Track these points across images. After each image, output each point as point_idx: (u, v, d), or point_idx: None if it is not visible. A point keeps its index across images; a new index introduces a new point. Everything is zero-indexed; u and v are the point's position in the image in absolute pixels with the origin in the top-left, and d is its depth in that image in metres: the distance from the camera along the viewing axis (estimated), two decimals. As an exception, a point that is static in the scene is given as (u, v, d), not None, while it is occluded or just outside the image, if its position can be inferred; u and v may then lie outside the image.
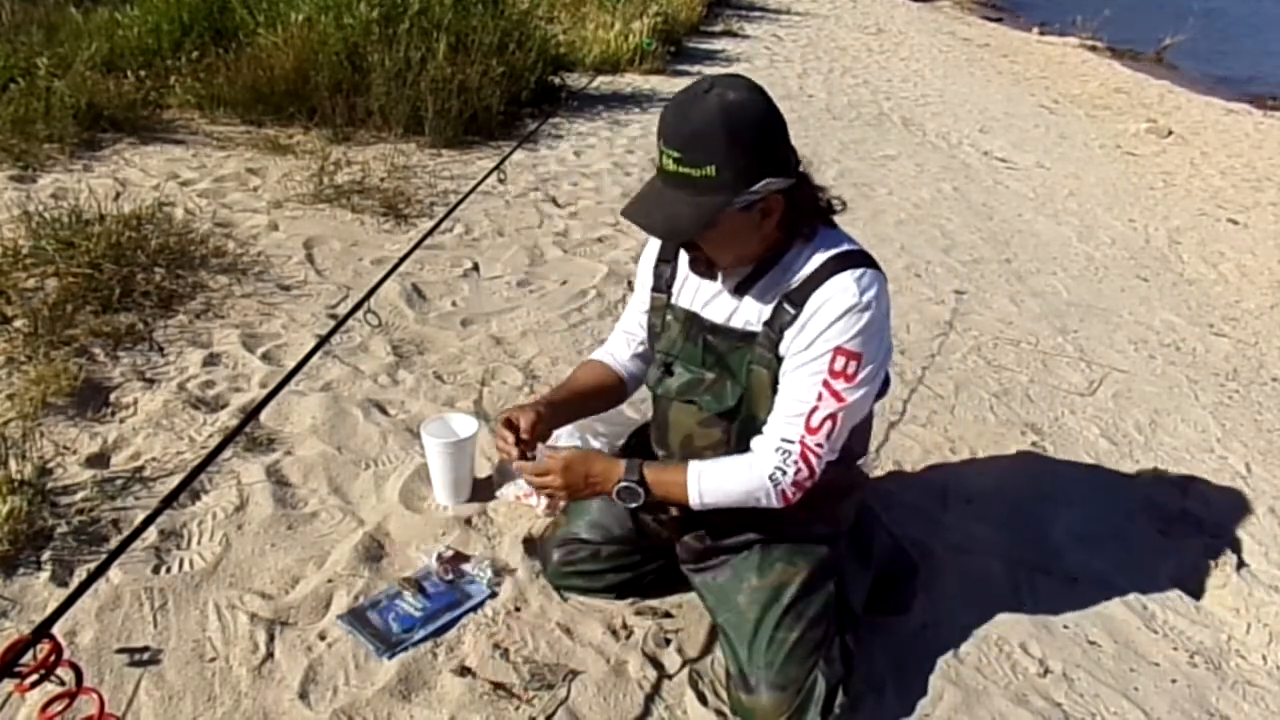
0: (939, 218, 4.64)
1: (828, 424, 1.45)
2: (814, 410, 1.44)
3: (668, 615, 1.79)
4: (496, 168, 2.68)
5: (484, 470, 2.16)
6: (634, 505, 1.54)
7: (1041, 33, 13.87)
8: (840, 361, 1.43)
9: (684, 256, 1.63)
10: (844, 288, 1.42)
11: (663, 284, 1.67)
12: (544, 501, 2.02)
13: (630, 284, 3.34)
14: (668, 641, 1.73)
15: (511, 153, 3.42)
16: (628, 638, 1.73)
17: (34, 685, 0.97)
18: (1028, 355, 3.20)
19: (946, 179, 5.41)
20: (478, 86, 4.82)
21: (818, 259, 1.47)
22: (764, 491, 1.48)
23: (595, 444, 2.06)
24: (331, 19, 4.95)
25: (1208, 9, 16.34)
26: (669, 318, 1.65)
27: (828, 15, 12.87)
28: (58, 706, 1.10)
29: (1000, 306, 3.60)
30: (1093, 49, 12.64)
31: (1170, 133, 7.46)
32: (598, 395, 1.78)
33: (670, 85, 7.09)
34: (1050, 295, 3.81)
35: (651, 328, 1.69)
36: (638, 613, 1.79)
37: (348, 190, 3.84)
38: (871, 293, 1.43)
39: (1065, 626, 1.89)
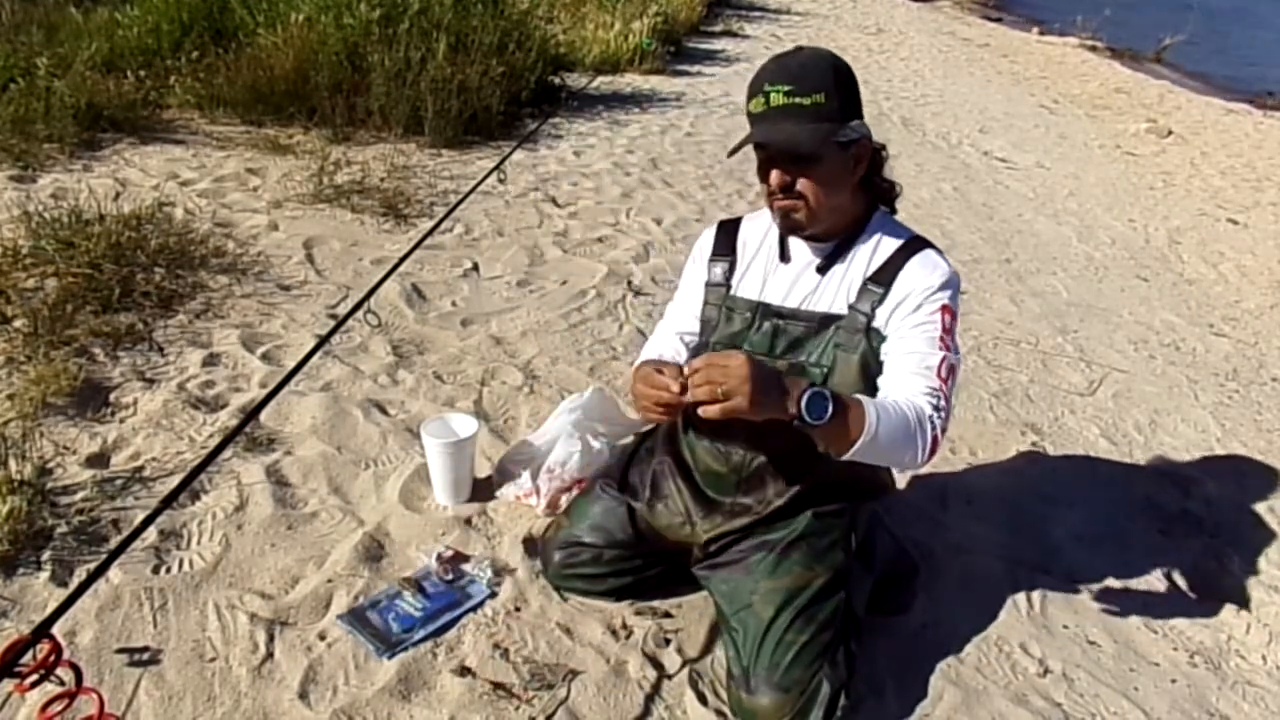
0: (939, 218, 4.64)
1: (951, 376, 1.50)
2: (941, 361, 1.49)
3: (668, 615, 1.79)
4: (496, 168, 2.68)
5: (484, 470, 2.16)
6: (816, 423, 1.34)
7: (1041, 33, 13.87)
8: (947, 320, 1.51)
9: (743, 249, 1.69)
10: (933, 262, 1.55)
11: (720, 277, 1.70)
12: (544, 501, 2.02)
13: (630, 283, 3.34)
14: (668, 641, 1.73)
15: (511, 153, 3.42)
16: (628, 638, 1.73)
17: (34, 685, 0.97)
18: (1028, 355, 3.20)
19: (946, 179, 5.41)
20: (478, 86, 4.82)
21: (892, 243, 1.58)
22: (923, 436, 1.44)
23: (595, 444, 2.06)
24: (331, 19, 4.95)
25: (1207, 9, 16.34)
26: (729, 309, 1.67)
27: (828, 15, 12.88)
28: (58, 706, 1.10)
29: (1000, 306, 3.60)
30: (1093, 49, 12.64)
31: (1170, 133, 7.46)
32: None
33: (670, 85, 7.10)
34: (1050, 295, 3.80)
35: (708, 321, 1.71)
36: (638, 613, 1.79)
37: (348, 190, 3.84)
38: (951, 266, 1.56)
39: (1065, 626, 1.89)
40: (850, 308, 1.55)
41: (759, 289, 1.65)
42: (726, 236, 1.73)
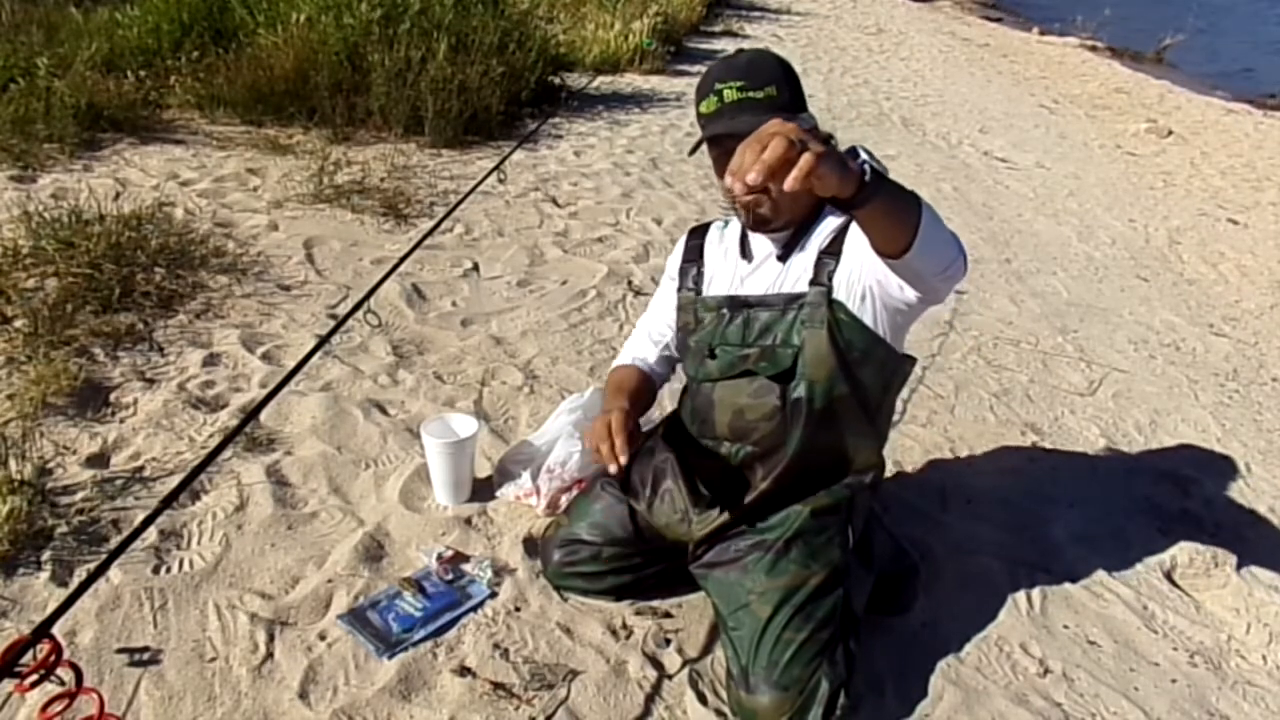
0: (939, 218, 4.64)
1: None
2: None
3: (668, 615, 1.79)
4: (496, 168, 2.68)
5: (484, 470, 2.16)
6: (883, 171, 1.18)
7: (1041, 33, 13.87)
8: None
9: (710, 253, 1.74)
10: None
11: (689, 282, 1.75)
12: (544, 501, 2.02)
13: (630, 283, 3.34)
14: (668, 641, 1.73)
15: (511, 153, 3.42)
16: (628, 638, 1.73)
17: (34, 685, 0.97)
18: (1028, 355, 3.20)
19: (946, 179, 5.41)
20: (478, 86, 4.82)
21: (841, 219, 1.57)
22: (955, 236, 1.36)
23: (595, 444, 2.05)
24: (331, 19, 4.95)
25: (1208, 8, 16.34)
26: (701, 311, 1.71)
27: (828, 15, 12.88)
28: (58, 706, 1.10)
29: (1000, 306, 3.60)
30: (1093, 49, 12.64)
31: (1170, 133, 7.46)
32: (645, 397, 1.82)
33: (670, 85, 7.10)
34: (1050, 295, 3.80)
35: (685, 326, 1.75)
36: (638, 613, 1.79)
37: (348, 190, 3.84)
38: None
39: (1065, 626, 1.89)
40: (810, 283, 1.58)
41: (728, 284, 1.69)
42: (696, 242, 1.79)
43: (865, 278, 1.52)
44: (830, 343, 1.56)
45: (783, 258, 1.62)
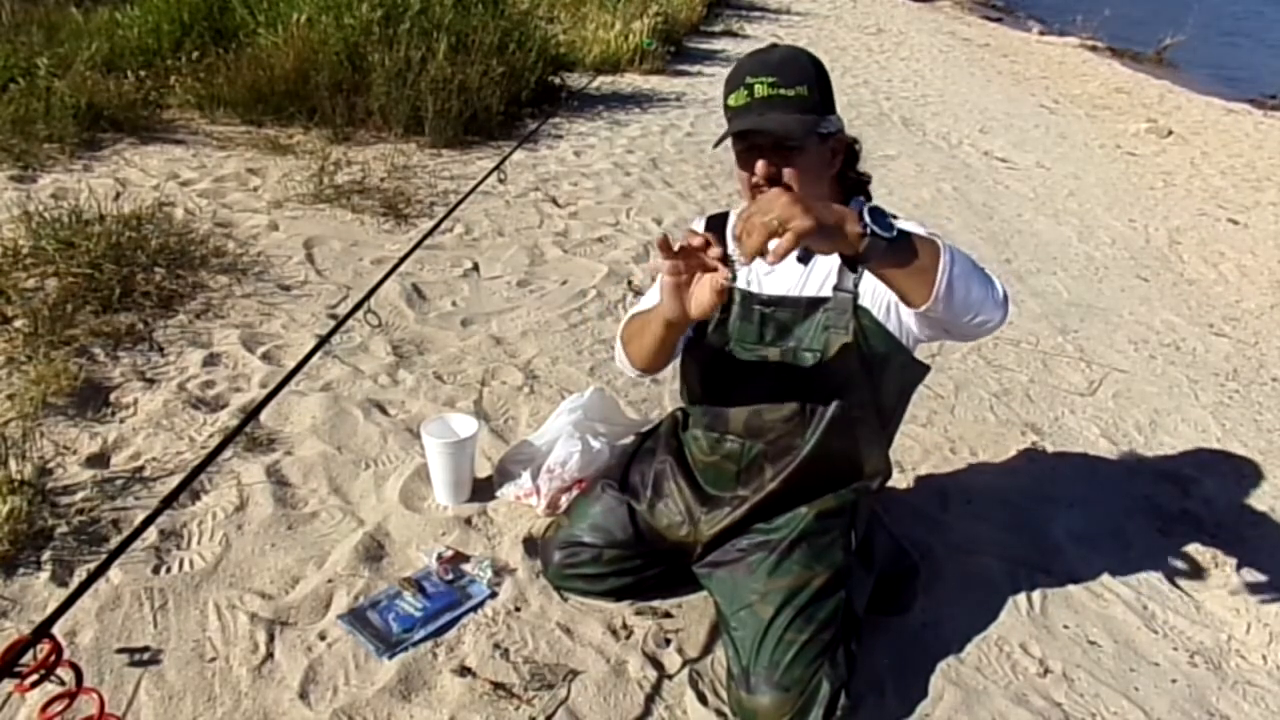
0: (939, 218, 4.64)
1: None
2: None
3: (668, 615, 1.79)
4: (496, 168, 2.68)
5: (484, 470, 2.16)
6: (887, 235, 1.22)
7: (1041, 33, 13.88)
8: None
9: (731, 238, 1.65)
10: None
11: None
12: (544, 501, 2.02)
13: (630, 283, 3.34)
14: (668, 641, 1.73)
15: (511, 153, 3.42)
16: (628, 638, 1.73)
17: (34, 685, 0.97)
18: (1028, 355, 3.20)
19: (946, 179, 5.41)
20: (478, 86, 4.82)
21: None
22: (991, 277, 1.37)
23: (595, 444, 2.06)
24: (332, 19, 4.95)
25: (1208, 8, 16.34)
26: (733, 299, 1.64)
27: (828, 15, 12.88)
28: (58, 706, 1.10)
29: (1000, 306, 3.60)
30: (1093, 49, 12.64)
31: (1170, 133, 7.46)
32: None
33: (670, 85, 7.10)
34: (1050, 295, 3.80)
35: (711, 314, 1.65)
36: (638, 613, 1.79)
37: (348, 190, 3.84)
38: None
39: (1065, 626, 1.89)
40: (835, 289, 1.56)
41: (746, 279, 1.65)
42: (719, 225, 1.71)
43: (890, 294, 1.48)
44: (855, 349, 1.55)
45: (803, 259, 1.60)
